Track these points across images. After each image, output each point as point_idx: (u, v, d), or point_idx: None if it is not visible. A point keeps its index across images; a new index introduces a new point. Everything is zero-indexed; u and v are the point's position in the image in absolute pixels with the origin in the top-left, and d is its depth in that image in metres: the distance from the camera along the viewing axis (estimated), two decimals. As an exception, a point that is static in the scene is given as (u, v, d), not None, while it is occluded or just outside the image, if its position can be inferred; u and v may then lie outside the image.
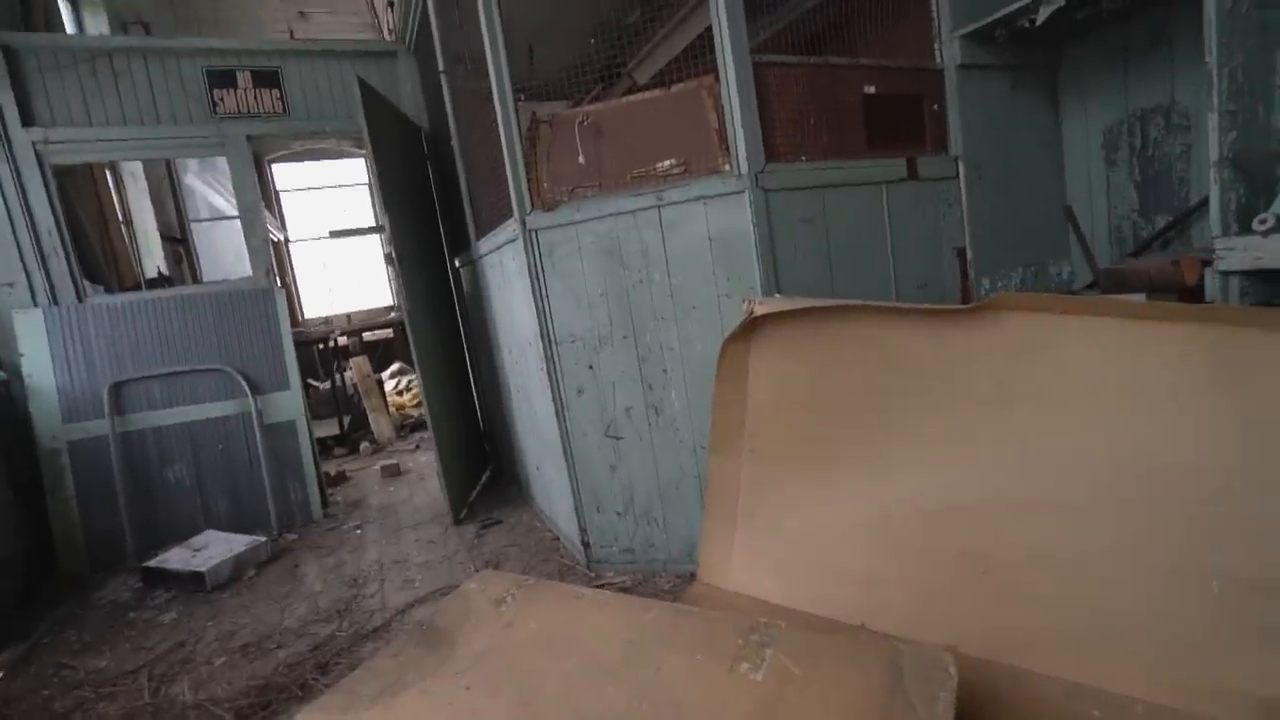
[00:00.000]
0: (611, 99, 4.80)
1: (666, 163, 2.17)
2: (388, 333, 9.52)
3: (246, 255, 3.72)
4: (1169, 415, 1.54)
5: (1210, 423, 1.47)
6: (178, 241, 5.56)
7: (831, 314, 2.00)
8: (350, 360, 6.26)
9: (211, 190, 5.57)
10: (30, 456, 3.19)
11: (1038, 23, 2.23)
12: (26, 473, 3.18)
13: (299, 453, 3.64)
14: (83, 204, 3.70)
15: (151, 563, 2.98)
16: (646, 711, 1.30)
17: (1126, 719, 1.43)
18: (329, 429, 5.52)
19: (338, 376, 5.94)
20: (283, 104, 3.70)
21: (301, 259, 9.52)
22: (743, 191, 2.07)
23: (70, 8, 4.92)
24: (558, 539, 2.88)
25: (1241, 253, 1.74)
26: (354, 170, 10.55)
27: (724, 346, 2.04)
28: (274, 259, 7.99)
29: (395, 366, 8.66)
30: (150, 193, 5.23)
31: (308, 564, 3.05)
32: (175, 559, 2.99)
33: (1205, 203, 2.39)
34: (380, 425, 5.68)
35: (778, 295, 2.10)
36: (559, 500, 2.74)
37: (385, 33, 6.93)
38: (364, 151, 10.01)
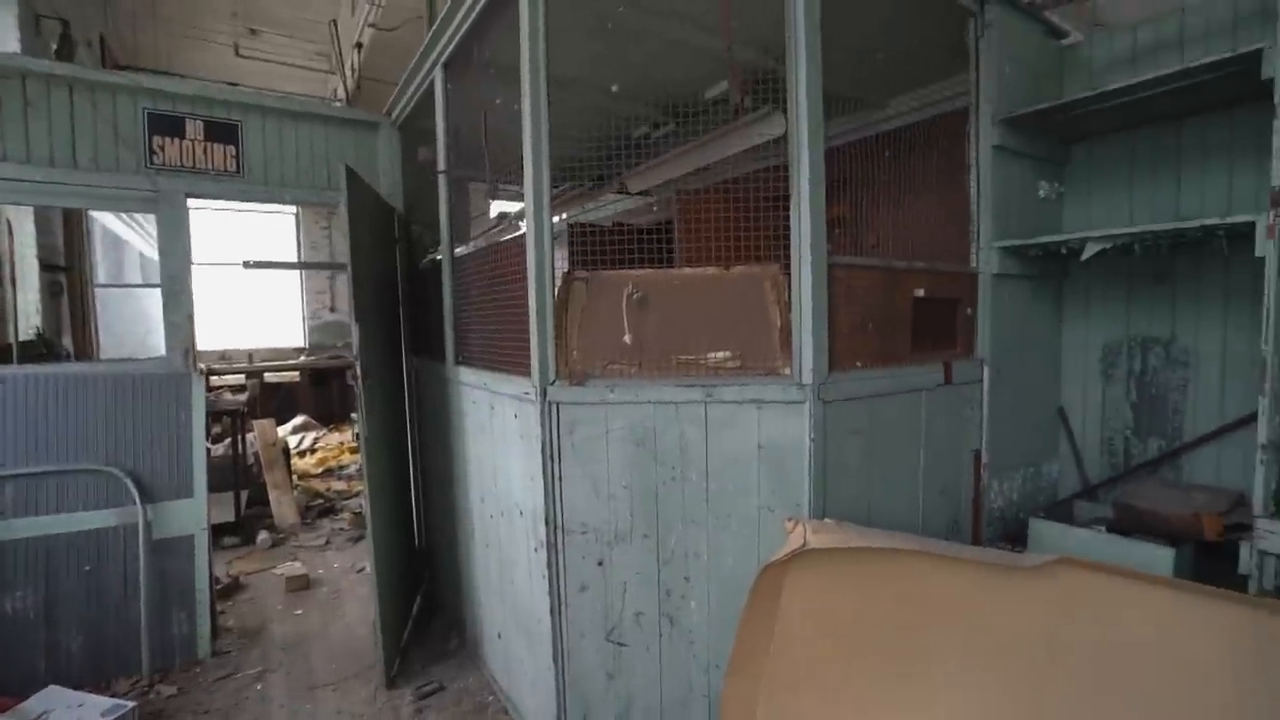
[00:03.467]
0: (600, 196, 4.63)
1: (720, 354, 1.96)
2: (293, 375, 8.61)
3: (159, 326, 3.11)
4: (1213, 694, 1.55)
5: (1254, 707, 1.47)
6: (58, 270, 4.70)
7: (883, 551, 1.86)
8: (254, 422, 5.48)
9: (111, 214, 4.77)
10: None
11: (1083, 258, 2.27)
12: None
13: (193, 575, 2.99)
14: (-51, 241, 2.98)
15: (-32, 741, 2.26)
16: None
17: None
18: (221, 510, 4.71)
19: (239, 440, 5.14)
20: (237, 163, 3.19)
21: (202, 286, 8.46)
22: (803, 402, 1.89)
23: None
24: (517, 729, 2.47)
25: (1285, 540, 1.76)
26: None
27: (762, 570, 1.83)
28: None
29: (299, 420, 7.79)
30: (34, 211, 4.40)
31: (191, 743, 2.44)
32: (5, 735, 2.29)
33: (1202, 440, 2.49)
34: (283, 508, 4.95)
35: (829, 521, 1.91)
36: (528, 688, 2.36)
37: (346, 70, 6.45)
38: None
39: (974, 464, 2.54)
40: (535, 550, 2.16)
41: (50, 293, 4.54)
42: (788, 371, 1.93)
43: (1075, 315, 2.85)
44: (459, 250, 2.82)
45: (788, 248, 1.93)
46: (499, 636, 2.64)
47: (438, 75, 2.75)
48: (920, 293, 2.27)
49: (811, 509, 1.93)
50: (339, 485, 5.94)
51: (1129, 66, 2.52)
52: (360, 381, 2.62)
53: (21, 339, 3.72)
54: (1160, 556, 2.11)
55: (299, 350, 9.36)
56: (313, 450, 7.01)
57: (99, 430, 2.85)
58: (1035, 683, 1.77)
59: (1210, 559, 2.14)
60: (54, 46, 5.02)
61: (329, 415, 8.26)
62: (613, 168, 3.84)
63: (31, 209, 4.30)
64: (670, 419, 1.96)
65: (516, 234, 2.11)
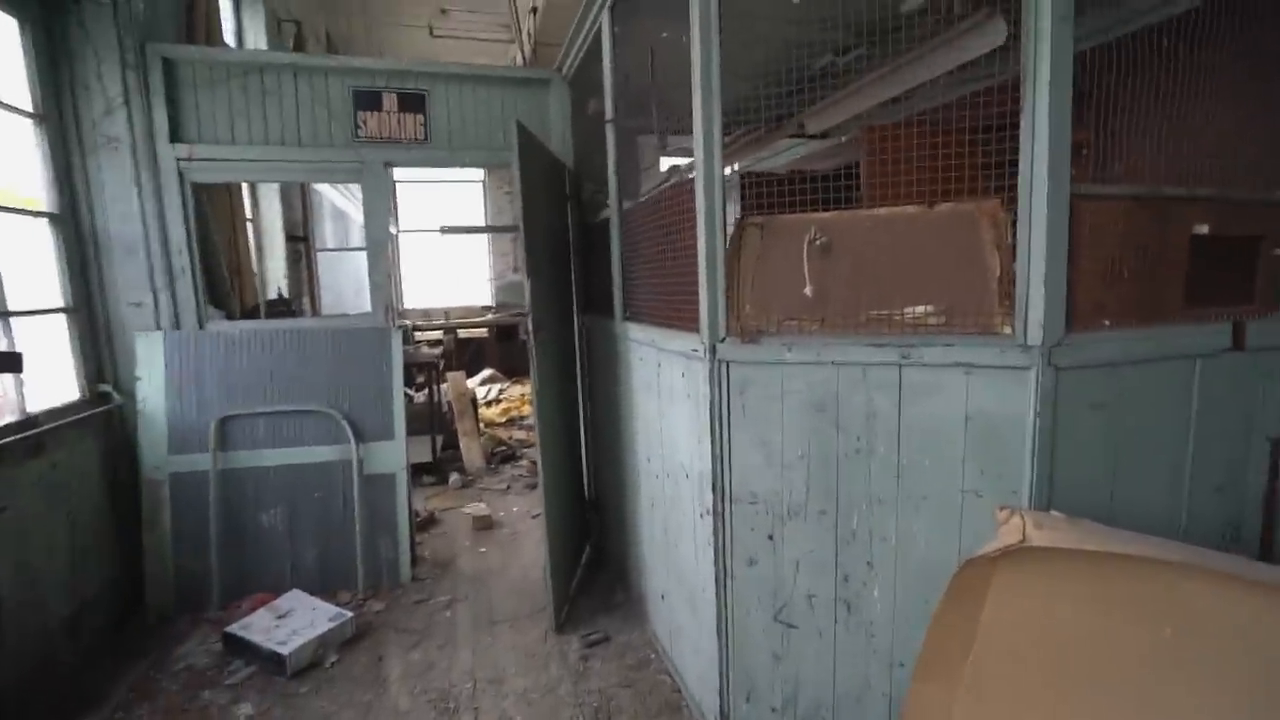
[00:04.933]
0: (774, 141, 4.29)
1: (919, 308, 1.66)
2: (482, 331, 9.41)
3: (366, 288, 3.46)
4: None
5: None
6: (299, 240, 5.48)
7: (1130, 559, 1.47)
8: (447, 374, 6.06)
9: (335, 191, 5.47)
10: (131, 485, 3.04)
11: None
12: (126, 503, 3.03)
13: (395, 509, 3.36)
14: (215, 215, 3.55)
15: (234, 629, 2.75)
16: None
17: None
18: (420, 451, 5.30)
19: (435, 390, 5.72)
20: (425, 130, 3.40)
21: (409, 251, 9.58)
22: (1028, 368, 1.53)
23: (232, 5, 4.85)
24: (679, 691, 2.43)
25: None
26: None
27: (965, 564, 1.54)
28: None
29: (487, 373, 8.51)
30: (280, 188, 5.14)
31: (392, 656, 2.74)
32: (258, 628, 2.75)
33: None
34: (471, 453, 5.43)
35: (1055, 514, 1.55)
36: (690, 654, 2.30)
37: (523, 36, 6.67)
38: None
39: (1271, 455, 1.94)
40: (701, 516, 2.05)
41: (292, 259, 5.32)
42: (1009, 330, 1.57)
43: None
44: (627, 203, 2.74)
45: (1011, 178, 1.56)
46: (662, 598, 2.61)
47: (604, 19, 2.64)
48: (1203, 229, 1.74)
49: (1033, 498, 1.58)
50: (520, 434, 6.39)
51: None
52: (532, 335, 2.68)
53: (268, 299, 4.40)
54: None
55: (486, 308, 10.20)
56: (498, 401, 7.62)
57: (322, 377, 3.27)
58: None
59: None
60: (289, 45, 5.78)
61: (512, 369, 8.93)
62: (791, 106, 3.51)
63: (278, 186, 5.03)
64: (856, 382, 1.71)
65: (685, 178, 1.95)
